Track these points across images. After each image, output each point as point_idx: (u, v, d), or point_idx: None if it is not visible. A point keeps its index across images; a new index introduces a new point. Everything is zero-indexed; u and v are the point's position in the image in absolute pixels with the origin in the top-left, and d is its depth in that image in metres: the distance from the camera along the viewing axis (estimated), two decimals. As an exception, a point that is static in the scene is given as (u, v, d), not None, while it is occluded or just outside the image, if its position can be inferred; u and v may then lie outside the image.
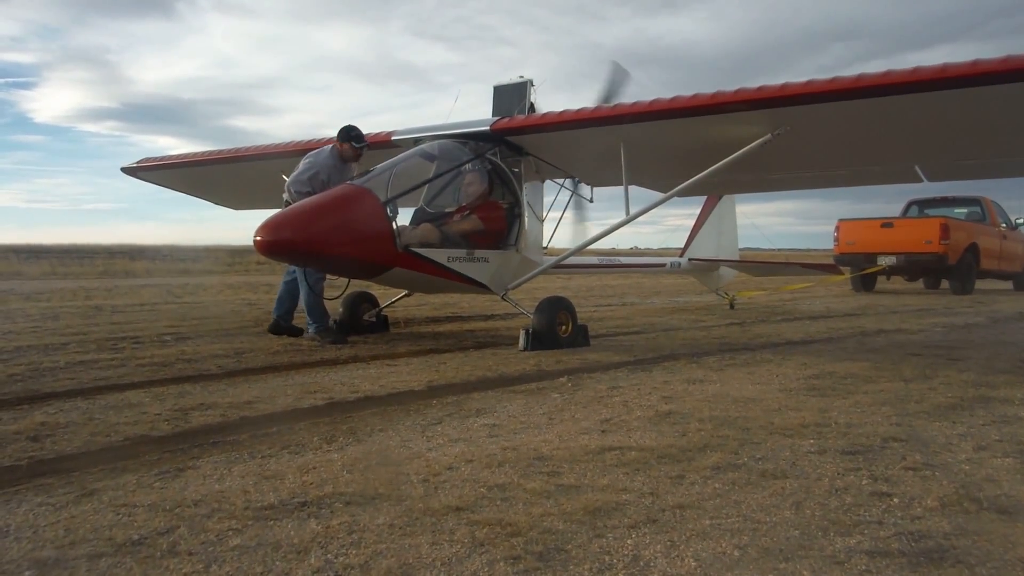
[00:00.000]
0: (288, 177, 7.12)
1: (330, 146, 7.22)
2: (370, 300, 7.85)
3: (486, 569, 2.07)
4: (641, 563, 2.11)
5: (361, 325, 7.61)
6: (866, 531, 2.35)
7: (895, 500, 2.63)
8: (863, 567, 2.09)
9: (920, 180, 7.31)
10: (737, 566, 2.10)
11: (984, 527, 2.38)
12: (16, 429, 3.59)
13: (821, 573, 2.06)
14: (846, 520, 2.44)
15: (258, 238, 5.83)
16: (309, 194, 6.69)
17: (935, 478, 2.88)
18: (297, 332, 7.26)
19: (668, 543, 2.25)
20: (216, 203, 11.44)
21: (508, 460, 3.09)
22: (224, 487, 2.76)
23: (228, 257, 26.93)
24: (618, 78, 7.35)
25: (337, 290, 7.71)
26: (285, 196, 7.09)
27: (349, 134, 7.12)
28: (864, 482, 2.83)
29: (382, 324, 7.84)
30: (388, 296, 8.30)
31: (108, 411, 4.03)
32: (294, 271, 7.29)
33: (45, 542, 2.25)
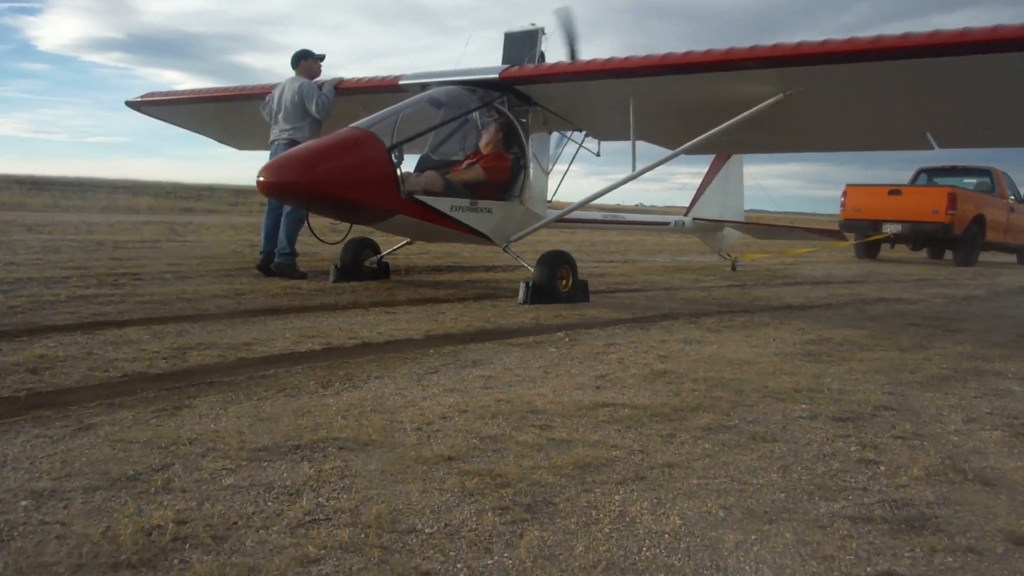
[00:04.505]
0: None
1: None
2: (371, 246, 7.83)
3: (475, 518, 2.10)
4: (627, 519, 2.15)
5: (362, 271, 7.61)
6: (850, 497, 2.38)
7: (881, 468, 2.66)
8: (845, 532, 2.13)
9: (931, 147, 7.21)
10: (721, 526, 2.13)
11: (967, 498, 2.41)
12: (15, 361, 3.62)
13: (803, 536, 2.09)
14: (831, 485, 2.47)
15: (261, 179, 5.81)
16: (286, 119, 7.59)
17: (923, 448, 2.91)
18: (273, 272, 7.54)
19: (655, 500, 2.28)
20: (220, 141, 11.33)
21: (502, 412, 3.12)
22: (219, 427, 2.79)
23: (231, 196, 26.81)
24: (567, 21, 7.45)
25: (339, 235, 7.70)
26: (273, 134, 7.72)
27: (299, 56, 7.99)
28: (852, 449, 2.86)
29: (383, 271, 7.83)
30: (390, 243, 8.28)
31: (107, 346, 4.05)
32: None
33: (42, 473, 2.28)
